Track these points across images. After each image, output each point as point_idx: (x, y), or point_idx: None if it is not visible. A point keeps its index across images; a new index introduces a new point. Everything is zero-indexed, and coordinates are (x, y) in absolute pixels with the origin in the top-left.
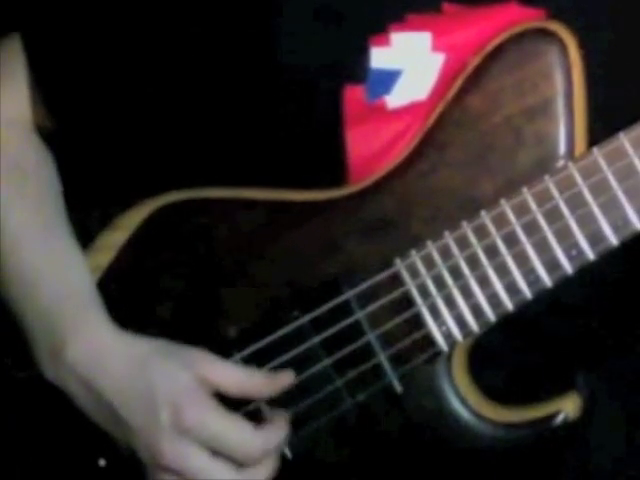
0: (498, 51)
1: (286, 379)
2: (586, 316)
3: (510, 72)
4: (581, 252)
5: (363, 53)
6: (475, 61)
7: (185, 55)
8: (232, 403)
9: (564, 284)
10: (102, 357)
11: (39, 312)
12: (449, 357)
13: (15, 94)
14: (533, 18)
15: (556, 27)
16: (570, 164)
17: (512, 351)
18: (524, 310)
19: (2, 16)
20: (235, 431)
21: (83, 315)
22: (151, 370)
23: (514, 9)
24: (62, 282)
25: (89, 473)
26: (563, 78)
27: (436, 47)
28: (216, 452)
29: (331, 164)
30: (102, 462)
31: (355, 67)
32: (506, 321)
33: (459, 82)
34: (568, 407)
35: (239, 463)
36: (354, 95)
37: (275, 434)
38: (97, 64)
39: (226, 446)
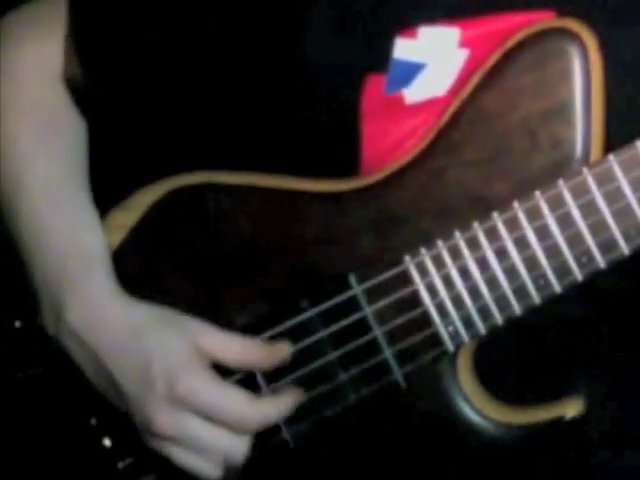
0: (517, 49)
1: (283, 349)
2: (589, 319)
3: (528, 72)
4: (592, 259)
5: (387, 44)
6: (493, 58)
7: (208, 46)
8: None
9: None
10: (99, 321)
11: (45, 268)
12: (454, 357)
13: (57, 52)
14: None
15: (577, 27)
16: (585, 170)
17: (517, 352)
18: (530, 312)
19: None
20: (230, 401)
21: (86, 276)
22: (147, 338)
23: (549, 15)
24: (71, 241)
25: (88, 471)
26: (582, 81)
27: (464, 43)
28: (211, 420)
29: (346, 155)
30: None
31: (378, 57)
32: (512, 322)
33: (475, 79)
34: (571, 411)
35: (234, 431)
36: (374, 85)
37: (272, 406)
38: (133, 39)
39: (220, 416)
